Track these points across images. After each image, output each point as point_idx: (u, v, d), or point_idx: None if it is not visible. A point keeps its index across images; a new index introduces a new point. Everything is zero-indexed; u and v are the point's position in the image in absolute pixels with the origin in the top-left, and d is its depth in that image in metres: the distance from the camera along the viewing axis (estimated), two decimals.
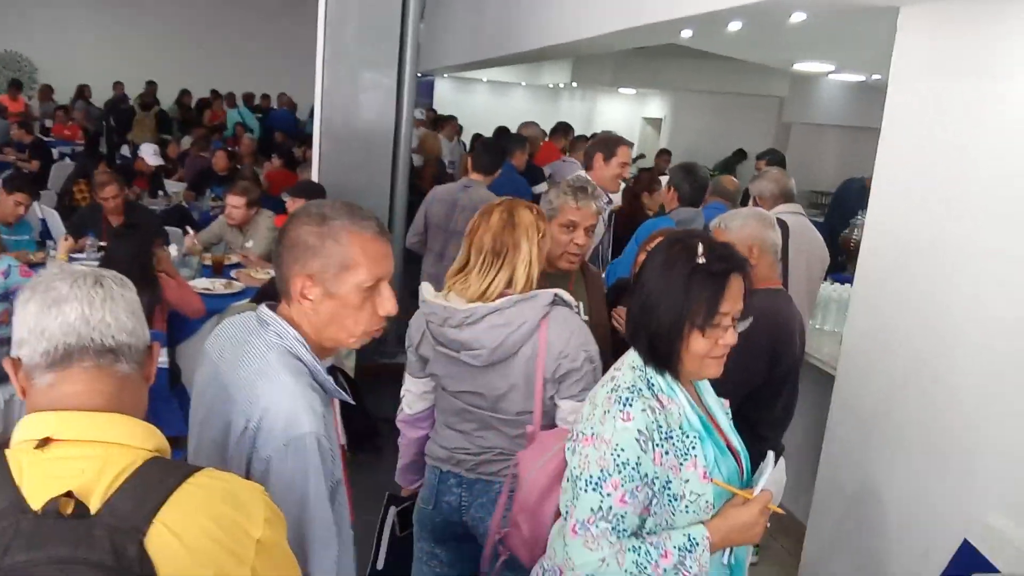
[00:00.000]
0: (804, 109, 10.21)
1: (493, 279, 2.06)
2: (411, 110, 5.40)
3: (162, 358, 3.70)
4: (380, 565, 2.44)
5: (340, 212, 1.44)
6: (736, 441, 1.74)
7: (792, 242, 3.52)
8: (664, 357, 1.62)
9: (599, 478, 1.54)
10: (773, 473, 1.66)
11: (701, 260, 1.58)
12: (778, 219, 3.56)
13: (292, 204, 4.65)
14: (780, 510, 1.65)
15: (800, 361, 2.50)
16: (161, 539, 0.99)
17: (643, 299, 1.64)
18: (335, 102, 5.05)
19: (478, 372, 2.08)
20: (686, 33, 4.70)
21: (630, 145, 4.06)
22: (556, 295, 2.08)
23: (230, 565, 1.03)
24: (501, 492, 2.14)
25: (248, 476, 1.34)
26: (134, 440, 1.08)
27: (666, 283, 1.60)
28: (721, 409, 1.77)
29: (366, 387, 3.82)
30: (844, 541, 3.25)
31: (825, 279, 4.38)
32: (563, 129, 7.66)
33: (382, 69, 5.06)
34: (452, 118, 10.38)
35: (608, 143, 4.00)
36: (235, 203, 5.15)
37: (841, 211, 6.57)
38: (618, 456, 1.53)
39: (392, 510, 2.48)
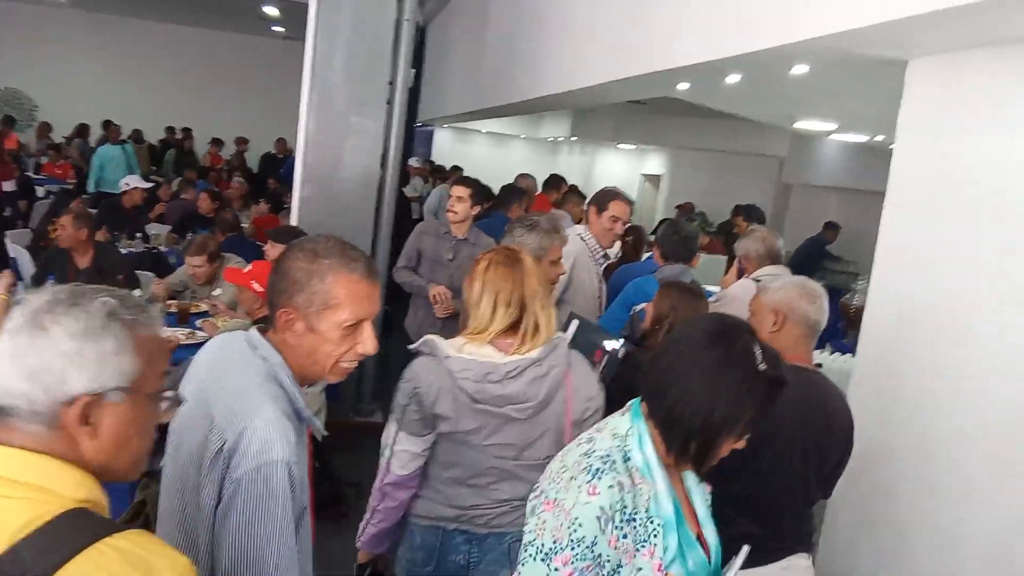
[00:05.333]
0: (804, 170, 10.10)
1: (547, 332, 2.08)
2: (399, 155, 5.24)
3: None
4: None
5: (332, 251, 1.50)
6: (710, 531, 1.59)
7: None
8: (699, 457, 1.49)
9: (551, 549, 1.43)
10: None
11: (762, 367, 1.46)
12: (758, 281, 3.37)
13: (273, 249, 4.41)
14: None
15: (791, 447, 2.15)
16: None
17: (688, 392, 1.47)
18: (320, 145, 4.89)
19: (517, 424, 2.07)
20: (683, 86, 4.54)
21: (628, 202, 3.84)
22: (560, 338, 2.12)
23: None
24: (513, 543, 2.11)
25: (220, 496, 1.39)
26: (63, 488, 1.06)
27: (725, 385, 1.46)
28: (701, 495, 1.61)
29: (337, 446, 3.54)
30: None
31: (823, 346, 4.14)
32: (555, 183, 7.57)
33: (370, 112, 4.91)
34: (457, 169, 10.36)
35: (603, 197, 3.86)
36: (196, 263, 4.77)
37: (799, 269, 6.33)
38: (575, 532, 1.41)
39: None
